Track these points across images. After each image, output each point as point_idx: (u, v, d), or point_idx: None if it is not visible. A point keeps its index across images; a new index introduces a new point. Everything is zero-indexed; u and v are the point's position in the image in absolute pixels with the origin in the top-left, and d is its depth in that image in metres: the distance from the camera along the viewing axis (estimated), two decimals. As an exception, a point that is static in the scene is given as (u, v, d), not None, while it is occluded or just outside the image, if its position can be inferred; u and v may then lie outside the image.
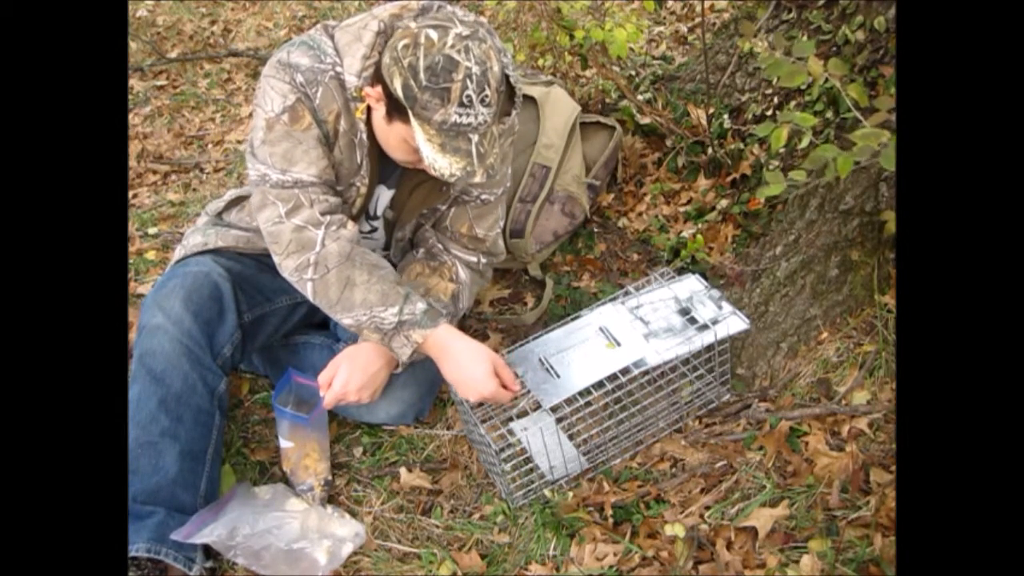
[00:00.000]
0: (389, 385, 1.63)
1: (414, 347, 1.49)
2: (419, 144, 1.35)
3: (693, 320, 1.60)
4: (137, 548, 1.36)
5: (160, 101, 3.30)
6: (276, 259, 1.50)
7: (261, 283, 1.65)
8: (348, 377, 1.53)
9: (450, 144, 1.33)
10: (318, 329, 1.84)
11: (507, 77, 1.42)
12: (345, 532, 1.50)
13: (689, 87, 2.55)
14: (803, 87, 2.16)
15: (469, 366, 1.48)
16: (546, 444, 1.57)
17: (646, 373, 1.58)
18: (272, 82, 1.43)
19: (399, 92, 1.32)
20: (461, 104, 1.30)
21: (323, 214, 1.47)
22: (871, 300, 1.76)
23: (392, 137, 1.43)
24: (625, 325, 1.61)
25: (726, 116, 2.33)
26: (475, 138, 1.34)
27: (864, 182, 1.83)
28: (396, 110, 1.36)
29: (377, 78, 1.38)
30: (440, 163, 1.34)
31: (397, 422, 1.73)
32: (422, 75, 1.29)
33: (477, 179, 1.36)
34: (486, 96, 1.31)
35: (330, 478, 1.61)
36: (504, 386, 1.50)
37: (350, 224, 1.51)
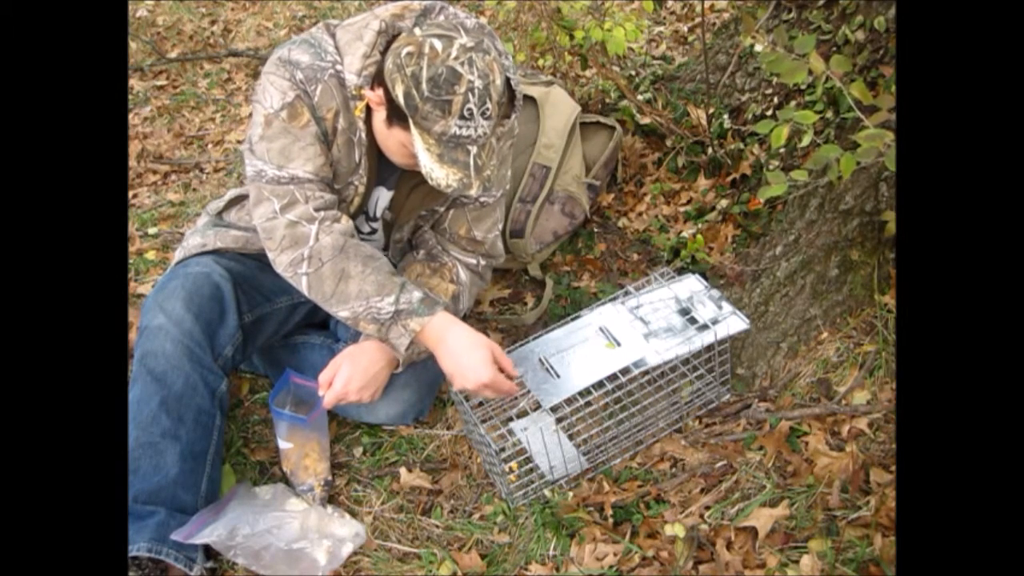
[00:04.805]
0: (389, 385, 1.63)
1: (412, 336, 1.48)
2: (417, 152, 1.35)
3: (693, 320, 1.60)
4: (138, 548, 1.36)
5: (160, 101, 3.30)
6: (270, 255, 1.50)
7: (261, 283, 1.65)
8: (349, 377, 1.53)
9: (448, 155, 1.34)
10: (318, 329, 1.84)
11: (508, 82, 1.42)
12: (345, 532, 1.50)
13: (689, 87, 2.55)
14: (803, 87, 2.16)
15: (467, 353, 1.47)
16: (546, 444, 1.57)
17: (646, 373, 1.58)
18: (272, 79, 1.44)
19: (401, 100, 1.32)
20: (462, 117, 1.30)
21: (317, 210, 1.47)
22: (871, 300, 1.76)
23: (391, 141, 1.44)
24: (625, 325, 1.61)
25: (726, 116, 2.33)
26: (474, 150, 1.34)
27: (864, 182, 1.83)
28: (397, 116, 1.37)
29: (379, 82, 1.38)
30: (437, 173, 1.35)
31: (397, 422, 1.73)
32: (424, 86, 1.29)
33: (473, 192, 1.37)
34: (487, 109, 1.32)
35: (330, 478, 1.61)
36: (503, 373, 1.48)
37: (344, 218, 1.51)
